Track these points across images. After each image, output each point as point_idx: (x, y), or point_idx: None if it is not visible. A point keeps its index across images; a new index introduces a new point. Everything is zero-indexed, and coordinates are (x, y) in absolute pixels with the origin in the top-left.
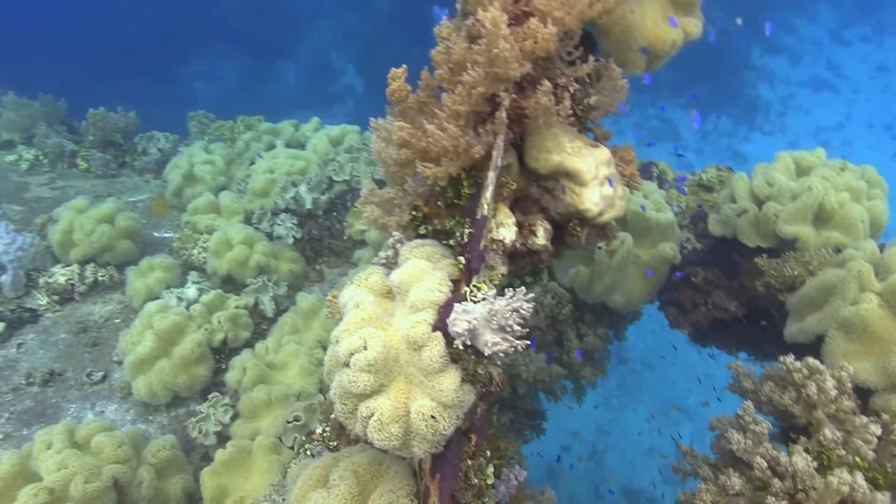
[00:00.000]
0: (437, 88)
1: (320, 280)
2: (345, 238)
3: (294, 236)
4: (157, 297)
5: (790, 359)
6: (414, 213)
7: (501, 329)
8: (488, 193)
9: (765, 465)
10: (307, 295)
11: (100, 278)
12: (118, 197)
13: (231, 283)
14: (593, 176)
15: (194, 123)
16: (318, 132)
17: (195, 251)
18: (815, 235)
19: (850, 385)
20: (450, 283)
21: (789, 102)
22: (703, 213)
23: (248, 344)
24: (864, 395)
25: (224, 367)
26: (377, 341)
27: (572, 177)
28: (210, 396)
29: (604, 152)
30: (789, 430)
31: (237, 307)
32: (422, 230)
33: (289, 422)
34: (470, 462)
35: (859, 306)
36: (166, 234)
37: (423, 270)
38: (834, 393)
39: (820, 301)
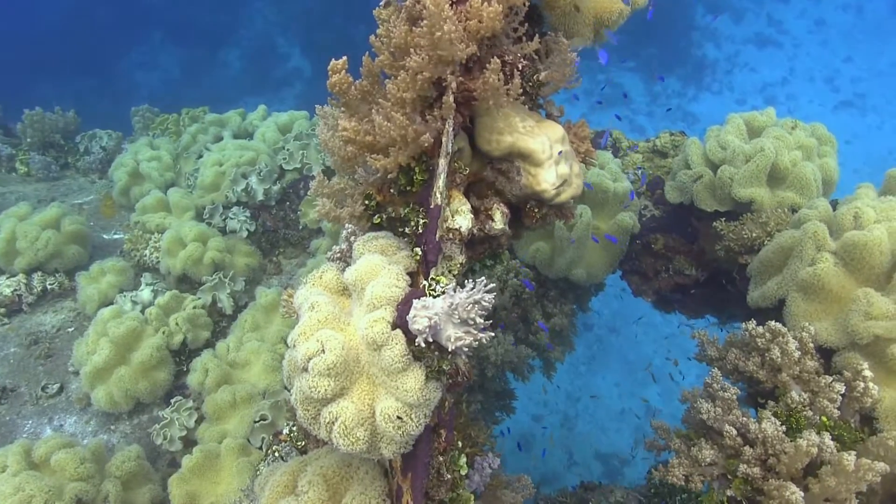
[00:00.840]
0: (381, 74)
1: (278, 272)
2: (300, 228)
3: (248, 229)
4: (111, 303)
5: (752, 324)
6: (367, 202)
7: (464, 322)
8: (441, 182)
9: (734, 432)
10: (266, 290)
11: (49, 287)
12: (62, 200)
13: (186, 283)
14: (548, 155)
15: (137, 119)
16: (265, 120)
17: (147, 251)
18: (770, 196)
19: (812, 345)
20: (407, 278)
21: (735, 60)
22: (660, 180)
23: (209, 343)
24: (826, 354)
25: (185, 368)
26: (335, 344)
27: (526, 157)
28: (173, 401)
29: (557, 130)
30: (757, 395)
31: (194, 307)
32: (376, 220)
33: (255, 421)
34: (441, 458)
35: (816, 266)
36: (116, 236)
37: (378, 266)
38: (797, 354)
39: (779, 264)
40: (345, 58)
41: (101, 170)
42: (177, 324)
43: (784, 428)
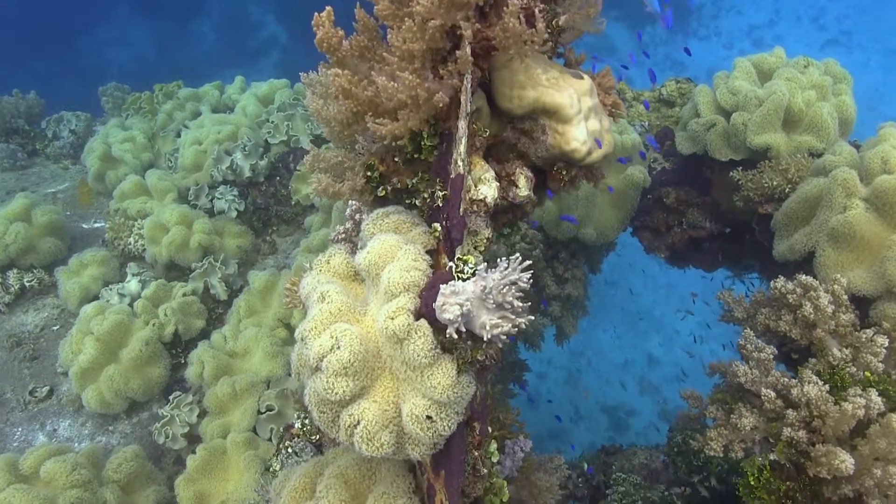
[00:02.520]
0: (380, 28)
1: (273, 251)
2: (293, 204)
3: (237, 209)
4: (96, 296)
5: (782, 281)
6: (369, 174)
7: (499, 307)
8: (461, 148)
9: (773, 395)
10: (258, 273)
11: (27, 284)
12: (34, 190)
13: (176, 270)
14: (577, 110)
15: (106, 99)
16: (245, 93)
17: (131, 239)
18: (786, 142)
19: (846, 297)
20: (427, 258)
21: (720, 4)
22: (668, 131)
23: (205, 332)
24: (861, 305)
25: (182, 361)
26: (351, 338)
27: (552, 114)
28: (172, 397)
29: (584, 81)
30: (790, 352)
31: (184, 294)
32: (380, 192)
33: (261, 412)
34: (476, 453)
35: (847, 214)
36: (97, 224)
37: (394, 246)
38: (831, 309)
39: (805, 215)
40: (329, 8)
41: (73, 155)
42: (166, 314)
43: (827, 388)
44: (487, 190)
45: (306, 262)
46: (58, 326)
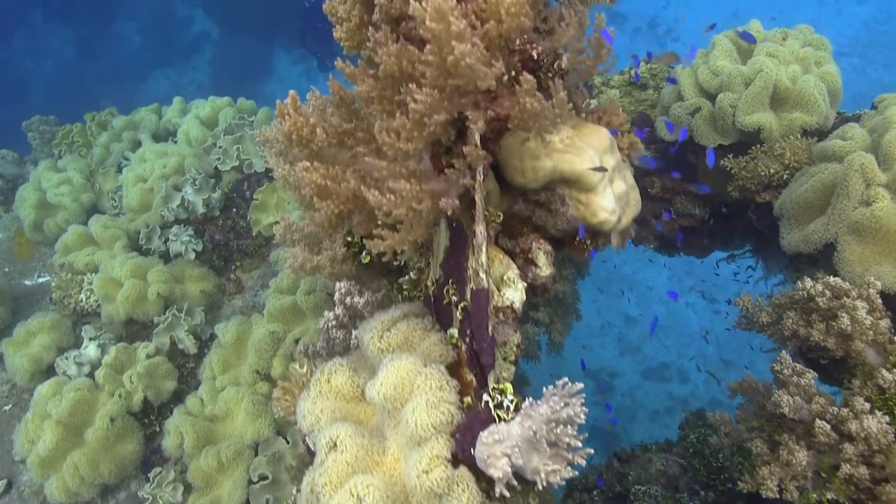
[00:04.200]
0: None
1: (239, 290)
2: (255, 235)
3: (195, 249)
4: (50, 367)
5: (809, 282)
6: (349, 239)
7: (553, 445)
8: (483, 258)
9: (828, 428)
10: (227, 324)
11: None
12: None
13: (137, 324)
14: (601, 175)
15: (33, 135)
16: (186, 116)
17: (82, 296)
18: (776, 121)
19: (880, 302)
20: (453, 383)
21: None
22: (645, 116)
23: (178, 393)
24: (886, 300)
25: (158, 429)
26: (376, 496)
27: (573, 183)
28: (152, 475)
29: (602, 134)
30: (817, 359)
31: (149, 356)
32: (364, 258)
33: (253, 482)
34: None
35: (873, 206)
36: (42, 280)
37: (411, 372)
38: (869, 320)
39: (819, 203)
40: (292, 93)
41: (3, 202)
42: (133, 381)
43: (887, 419)
44: (514, 294)
45: (298, 359)
46: (9, 406)
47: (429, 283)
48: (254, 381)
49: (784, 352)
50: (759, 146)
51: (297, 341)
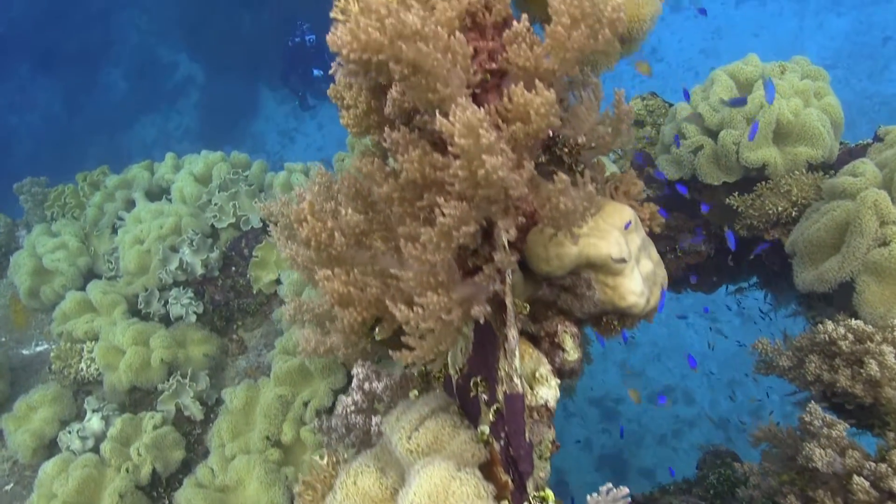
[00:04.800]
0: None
1: (242, 350)
2: (255, 293)
3: (195, 312)
4: (53, 441)
5: (830, 326)
6: None
7: None
8: (516, 363)
9: (867, 485)
10: (235, 389)
11: None
12: None
13: (140, 391)
14: (627, 257)
15: (25, 197)
16: (179, 172)
17: (82, 365)
18: (780, 155)
19: None
20: (490, 489)
21: None
22: (643, 154)
23: (186, 462)
24: None
25: (168, 501)
26: None
27: (600, 267)
28: None
29: (625, 214)
30: (843, 404)
31: (155, 427)
32: (377, 335)
33: None
34: None
35: (891, 245)
36: (40, 348)
37: (445, 479)
38: None
39: (832, 241)
40: (308, 199)
41: None
42: (140, 454)
43: None
44: (548, 392)
45: (318, 453)
46: (10, 485)
47: (452, 372)
48: (265, 448)
49: (812, 402)
50: (764, 182)
51: (305, 404)
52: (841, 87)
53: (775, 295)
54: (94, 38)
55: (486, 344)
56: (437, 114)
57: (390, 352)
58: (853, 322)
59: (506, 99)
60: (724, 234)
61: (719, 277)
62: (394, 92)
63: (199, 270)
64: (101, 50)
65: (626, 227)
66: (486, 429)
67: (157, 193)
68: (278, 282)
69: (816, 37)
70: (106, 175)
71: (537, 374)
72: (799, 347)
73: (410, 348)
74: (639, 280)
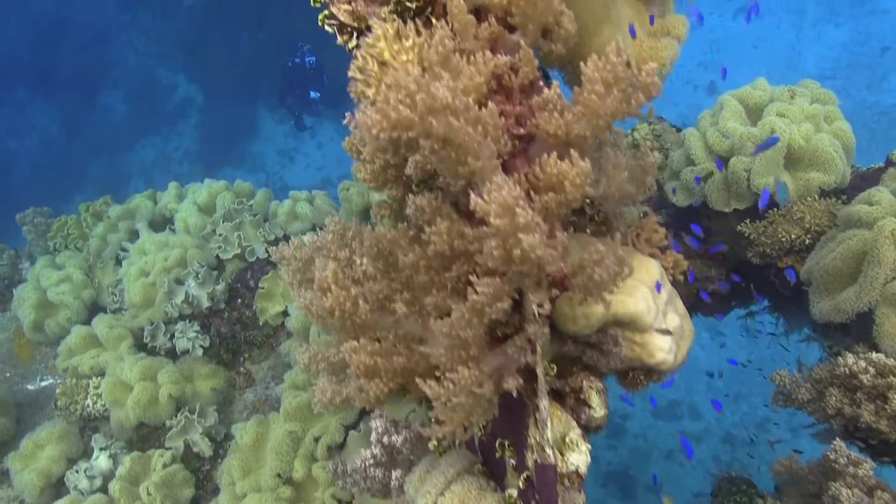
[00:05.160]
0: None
1: (250, 383)
2: (261, 325)
3: (202, 346)
4: (60, 479)
5: (851, 359)
6: None
7: None
8: (548, 433)
9: None
10: (245, 425)
11: None
12: None
13: (147, 427)
14: (655, 313)
15: (28, 228)
16: (183, 202)
17: (88, 401)
18: (792, 181)
19: None
20: None
21: None
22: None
23: (196, 500)
24: None
25: None
26: None
27: (627, 324)
28: None
29: (651, 267)
30: (866, 438)
31: (165, 465)
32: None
33: None
34: None
35: None
36: (45, 383)
37: None
38: None
39: (849, 271)
40: (332, 267)
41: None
42: (150, 493)
43: None
44: (579, 458)
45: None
46: None
47: (475, 430)
48: (276, 486)
49: (838, 439)
50: (776, 209)
51: (316, 440)
52: (840, 98)
53: (787, 319)
54: (92, 61)
55: (513, 407)
56: (472, 194)
57: (420, 429)
58: (874, 355)
59: (537, 168)
60: (735, 259)
61: (730, 302)
62: (417, 154)
63: (205, 303)
64: (99, 72)
65: (658, 289)
66: (513, 493)
67: (161, 223)
68: (285, 313)
69: (815, 48)
70: (109, 205)
71: (567, 440)
72: (818, 380)
73: (440, 422)
74: (668, 338)
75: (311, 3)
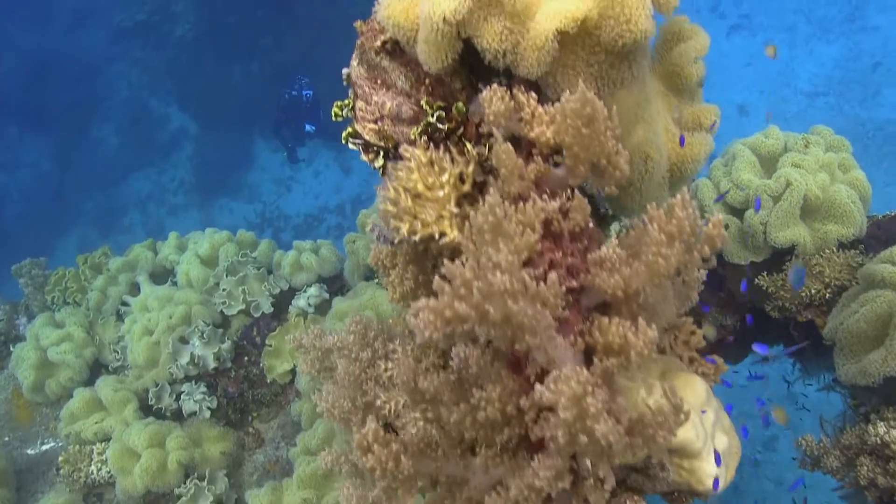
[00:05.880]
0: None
1: (260, 444)
2: (269, 383)
3: (209, 407)
4: None
5: (882, 429)
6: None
7: None
8: None
9: None
10: (257, 492)
11: None
12: None
13: (153, 493)
14: (704, 437)
15: (24, 280)
16: (184, 254)
17: (93, 468)
18: (810, 234)
19: None
20: None
21: None
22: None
23: None
24: None
25: None
26: None
27: (675, 451)
28: None
29: (697, 387)
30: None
31: None
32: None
33: None
34: None
35: None
36: (46, 447)
37: None
38: None
39: (874, 333)
40: (373, 427)
41: None
42: None
43: None
44: None
45: None
46: None
47: None
48: None
49: None
50: (793, 260)
51: None
52: (834, 115)
53: (803, 365)
54: (83, 94)
55: None
56: (536, 385)
57: None
58: None
59: (596, 331)
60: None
61: (745, 345)
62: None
63: (212, 364)
64: (90, 105)
65: (704, 413)
66: None
67: (162, 274)
68: (293, 371)
69: (807, 65)
70: (108, 256)
71: None
72: (847, 446)
73: None
74: (717, 460)
75: (332, 119)
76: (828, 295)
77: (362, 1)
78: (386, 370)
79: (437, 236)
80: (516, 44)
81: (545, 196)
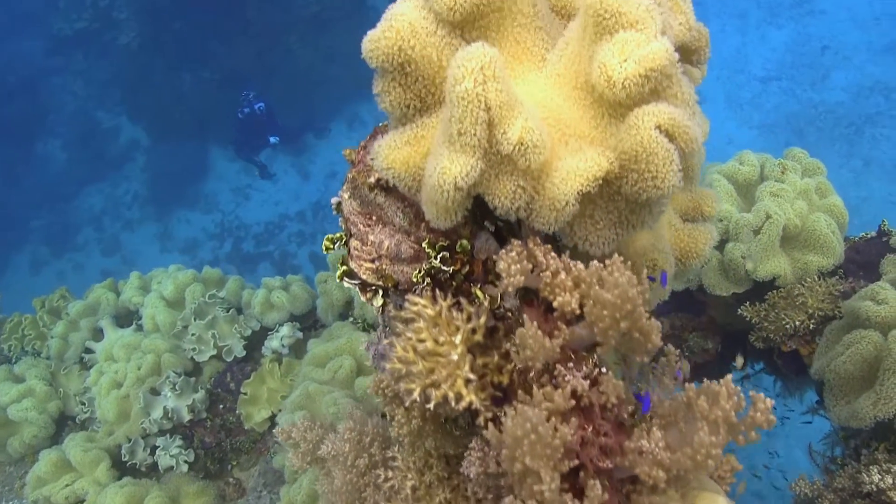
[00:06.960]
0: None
1: (241, 493)
2: (247, 430)
3: (186, 461)
4: None
5: (877, 476)
6: None
7: None
8: None
9: None
10: None
11: None
12: None
13: None
14: None
15: None
16: (148, 295)
17: None
18: (789, 264)
19: None
20: None
21: None
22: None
23: None
24: None
25: None
26: None
27: None
28: None
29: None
30: None
31: None
32: None
33: None
34: None
35: None
36: None
37: None
38: None
39: (862, 374)
40: None
41: None
42: None
43: None
44: None
45: None
46: None
47: None
48: None
49: None
50: (776, 291)
51: None
52: (787, 98)
53: (784, 382)
54: (26, 109)
55: None
56: None
57: None
58: None
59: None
60: (729, 328)
61: (726, 371)
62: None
63: (186, 417)
64: (34, 119)
65: None
66: None
67: (126, 315)
68: (272, 418)
69: (760, 50)
70: (66, 299)
71: None
72: (841, 488)
73: None
74: None
75: (323, 251)
76: (811, 325)
77: (314, 2)
78: (386, 480)
79: (453, 402)
80: (530, 201)
81: (572, 368)
